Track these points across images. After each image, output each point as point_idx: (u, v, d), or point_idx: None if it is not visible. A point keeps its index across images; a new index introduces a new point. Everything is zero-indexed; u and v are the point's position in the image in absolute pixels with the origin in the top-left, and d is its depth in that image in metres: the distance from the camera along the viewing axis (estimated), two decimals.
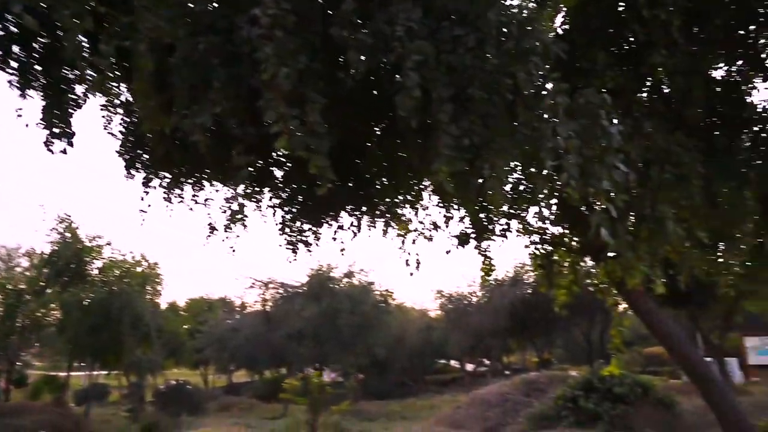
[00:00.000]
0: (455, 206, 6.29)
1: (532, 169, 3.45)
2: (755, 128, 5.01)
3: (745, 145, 5.03)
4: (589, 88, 2.87)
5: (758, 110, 5.07)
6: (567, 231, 5.21)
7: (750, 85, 5.06)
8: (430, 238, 6.60)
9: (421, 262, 6.75)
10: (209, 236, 6.10)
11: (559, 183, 3.10)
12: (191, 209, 5.46)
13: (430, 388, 35.10)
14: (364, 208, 6.64)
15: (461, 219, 6.40)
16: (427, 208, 6.63)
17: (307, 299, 23.14)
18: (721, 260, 7.03)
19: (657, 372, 28.66)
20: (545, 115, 2.73)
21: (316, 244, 6.96)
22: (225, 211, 6.30)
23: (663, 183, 4.53)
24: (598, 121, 2.78)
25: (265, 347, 25.66)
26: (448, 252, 6.51)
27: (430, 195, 6.50)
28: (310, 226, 6.84)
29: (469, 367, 43.86)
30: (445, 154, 2.71)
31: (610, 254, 4.39)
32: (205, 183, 5.66)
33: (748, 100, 5.15)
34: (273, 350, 25.49)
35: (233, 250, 6.79)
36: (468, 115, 2.95)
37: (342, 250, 6.76)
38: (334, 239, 6.68)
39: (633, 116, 4.63)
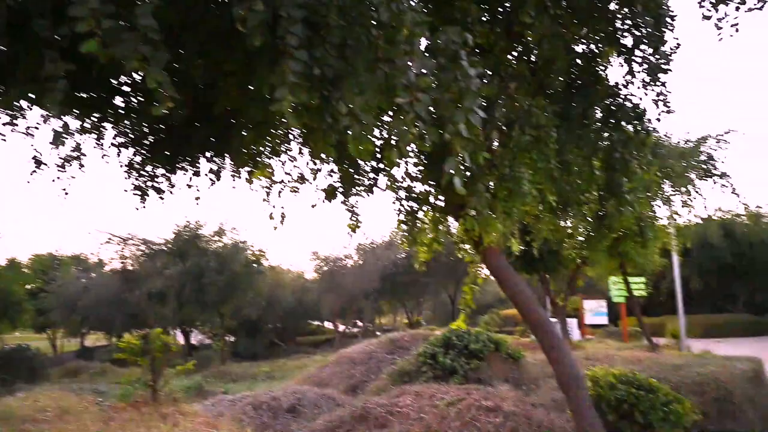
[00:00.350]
0: (325, 159, 6.04)
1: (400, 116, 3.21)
2: (606, 101, 5.31)
3: (597, 116, 5.32)
4: (455, 27, 2.70)
5: (610, 84, 5.37)
6: (432, 189, 5.19)
7: (606, 59, 5.33)
8: (296, 191, 6.30)
9: (287, 215, 6.45)
10: (34, 172, 5.25)
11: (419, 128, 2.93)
12: (4, 139, 4.56)
13: (302, 349, 35.37)
14: (225, 155, 6.13)
15: (330, 173, 6.17)
16: (295, 159, 6.31)
17: (171, 257, 21.64)
18: (569, 225, 7.58)
19: (511, 332, 31.51)
20: (403, 49, 2.52)
21: (170, 192, 6.33)
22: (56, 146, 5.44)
23: (522, 144, 4.64)
24: (458, 61, 2.63)
25: (122, 308, 23.74)
26: (313, 206, 6.27)
27: (300, 146, 6.18)
28: (164, 171, 6.18)
29: (342, 328, 44.95)
30: (291, 82, 2.40)
31: (471, 213, 4.43)
32: (28, 107, 4.77)
33: (603, 73, 5.45)
34: (132, 311, 23.71)
35: (66, 193, 5.94)
36: (323, 43, 2.65)
37: (197, 198, 6.21)
38: (189, 186, 6.11)
39: (500, 75, 4.65)
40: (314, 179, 6.21)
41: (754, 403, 8.49)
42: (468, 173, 4.58)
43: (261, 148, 5.59)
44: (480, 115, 2.66)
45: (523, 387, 9.47)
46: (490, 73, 4.84)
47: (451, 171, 2.57)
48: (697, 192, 14.40)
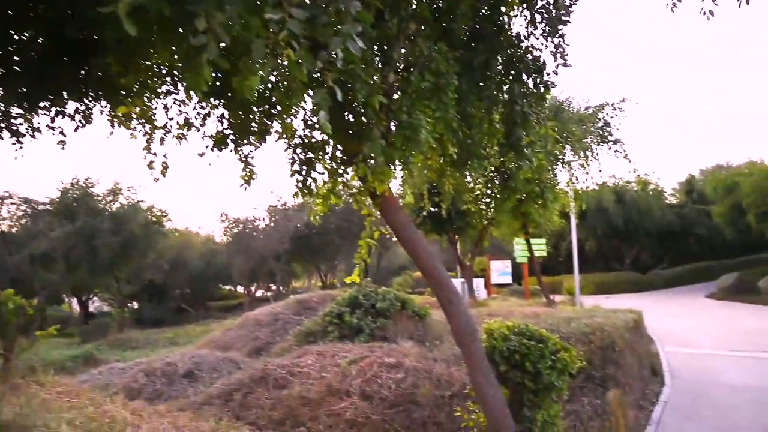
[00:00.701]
0: (212, 103, 5.49)
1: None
2: (508, 52, 5.19)
3: (498, 67, 5.20)
4: None
5: (513, 35, 5.25)
6: (329, 137, 4.85)
7: (509, 8, 5.18)
8: (182, 137, 5.71)
9: (169, 166, 5.86)
10: None
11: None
12: None
13: (212, 314, 34.29)
14: (96, 93, 5.39)
15: (220, 118, 5.64)
16: (184, 103, 5.70)
17: (57, 217, 19.63)
18: (474, 183, 7.54)
19: (422, 292, 32.47)
20: None
21: (31, 136, 5.51)
22: None
23: (421, 91, 4.40)
24: None
25: (2, 273, 21.40)
26: (201, 155, 5.72)
27: (185, 88, 5.56)
28: (21, 111, 5.35)
29: (259, 293, 44.15)
30: None
31: (366, 159, 4.16)
32: None
33: (506, 24, 5.30)
34: (13, 276, 21.44)
35: None
36: None
37: (62, 143, 5.45)
38: (53, 128, 5.33)
39: (399, 14, 4.35)
40: (202, 125, 5.66)
41: (633, 350, 9.21)
42: (364, 118, 4.30)
43: (133, 85, 4.92)
44: (359, 45, 2.35)
45: (427, 343, 9.62)
46: (389, 11, 4.52)
47: (318, 103, 2.26)
48: (594, 158, 15.18)
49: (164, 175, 5.85)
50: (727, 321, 17.70)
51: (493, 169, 5.98)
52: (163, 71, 5.26)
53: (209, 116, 5.60)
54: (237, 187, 5.61)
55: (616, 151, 15.53)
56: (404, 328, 10.82)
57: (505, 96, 5.25)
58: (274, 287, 44.78)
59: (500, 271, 29.82)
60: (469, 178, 7.29)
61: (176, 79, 5.40)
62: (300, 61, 2.37)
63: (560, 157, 14.44)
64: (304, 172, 4.87)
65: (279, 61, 3.97)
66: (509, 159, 5.32)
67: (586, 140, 14.40)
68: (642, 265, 38.51)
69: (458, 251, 18.79)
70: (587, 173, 15.06)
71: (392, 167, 4.36)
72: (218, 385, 7.76)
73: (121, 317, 22.51)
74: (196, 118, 5.62)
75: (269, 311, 13.15)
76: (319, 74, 3.11)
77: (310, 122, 4.99)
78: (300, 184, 4.89)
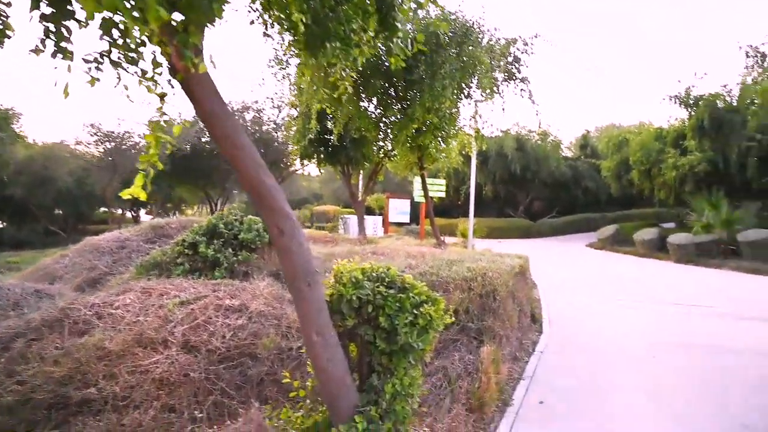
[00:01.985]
0: None
1: None
2: None
3: None
4: None
5: None
6: None
7: None
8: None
9: None
10: None
11: None
12: None
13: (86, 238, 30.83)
14: None
15: None
16: None
17: None
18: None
19: (322, 227, 31.29)
20: None
21: None
22: None
23: None
24: None
25: None
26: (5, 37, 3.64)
27: None
28: None
29: (147, 218, 40.65)
30: None
31: None
32: None
33: None
34: None
35: None
36: None
37: None
38: None
39: None
40: None
41: (516, 297, 8.54)
42: None
43: None
44: None
45: None
46: None
47: None
48: (499, 94, 14.17)
49: None
50: (606, 269, 18.28)
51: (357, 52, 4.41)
52: None
53: None
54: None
55: (522, 89, 14.64)
56: (273, 264, 9.41)
57: None
58: (162, 213, 41.47)
59: (399, 210, 29.27)
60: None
61: None
62: None
63: (464, 89, 13.26)
64: (54, 16, 3.05)
65: None
66: (379, 39, 3.83)
67: (493, 72, 13.25)
68: (534, 213, 39.92)
69: (351, 184, 17.41)
70: (492, 108, 14.07)
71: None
72: (1, 328, 5.91)
73: None
74: None
75: (115, 237, 11.08)
76: None
77: None
78: (52, 36, 3.07)
